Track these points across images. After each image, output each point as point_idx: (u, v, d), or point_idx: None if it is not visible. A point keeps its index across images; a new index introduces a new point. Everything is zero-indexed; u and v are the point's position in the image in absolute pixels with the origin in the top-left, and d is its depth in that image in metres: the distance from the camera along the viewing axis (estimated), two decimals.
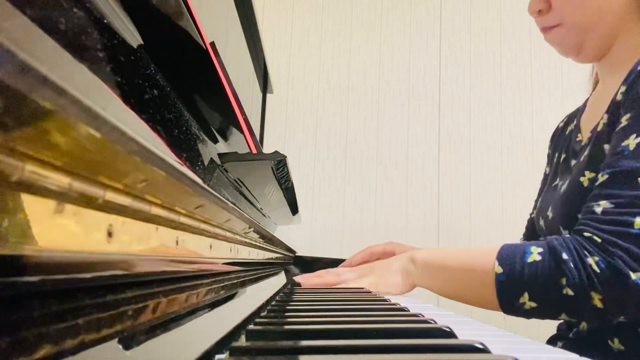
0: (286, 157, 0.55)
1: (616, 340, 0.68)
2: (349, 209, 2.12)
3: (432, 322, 0.41)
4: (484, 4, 2.25)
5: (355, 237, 2.10)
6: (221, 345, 0.30)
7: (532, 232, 1.02)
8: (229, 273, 0.46)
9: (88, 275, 0.17)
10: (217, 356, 0.28)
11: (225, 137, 0.62)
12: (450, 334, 0.37)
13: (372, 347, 0.31)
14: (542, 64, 2.14)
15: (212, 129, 0.56)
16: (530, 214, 1.02)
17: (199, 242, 0.32)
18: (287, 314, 0.49)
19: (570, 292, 0.59)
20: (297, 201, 0.91)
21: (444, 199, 2.12)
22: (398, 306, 0.56)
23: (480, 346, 0.31)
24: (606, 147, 0.69)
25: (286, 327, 0.41)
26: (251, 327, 0.38)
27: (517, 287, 0.63)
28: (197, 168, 0.37)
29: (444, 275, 0.73)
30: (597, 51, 0.77)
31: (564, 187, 0.78)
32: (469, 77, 2.21)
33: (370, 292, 0.76)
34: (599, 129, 0.72)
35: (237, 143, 0.66)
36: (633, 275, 0.56)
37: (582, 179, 0.72)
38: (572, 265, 0.60)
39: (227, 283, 0.42)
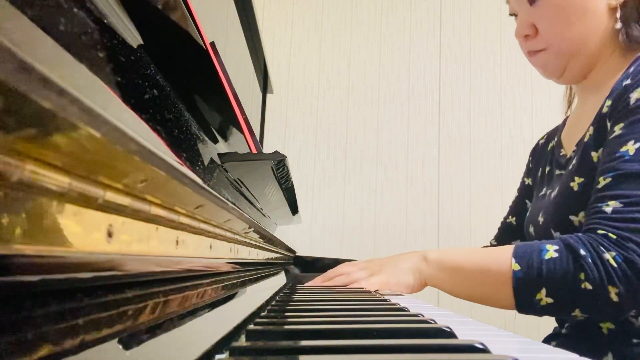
0: (286, 157, 0.55)
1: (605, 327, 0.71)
2: (349, 209, 2.12)
3: (432, 322, 0.41)
4: (484, 4, 2.25)
5: (355, 237, 2.11)
6: (221, 345, 0.30)
7: (504, 235, 1.08)
8: (229, 273, 0.46)
9: (88, 275, 0.17)
10: (217, 356, 0.28)
11: (225, 137, 0.62)
12: (450, 334, 0.37)
13: (372, 347, 0.31)
14: None
15: (212, 129, 0.56)
16: (505, 218, 1.07)
17: (199, 242, 0.32)
18: (287, 314, 0.49)
19: (589, 287, 0.62)
20: (297, 201, 0.91)
21: (444, 199, 2.12)
22: (398, 306, 0.56)
23: (480, 346, 0.31)
24: (593, 154, 0.74)
25: (286, 327, 0.41)
26: (251, 327, 0.38)
27: (535, 283, 0.65)
28: (197, 168, 0.37)
29: (458, 274, 0.74)
30: (578, 74, 0.83)
31: (554, 194, 0.82)
32: (469, 77, 2.21)
33: (370, 292, 0.76)
34: (585, 140, 0.77)
35: (237, 143, 0.66)
36: None
37: (572, 184, 0.76)
38: (590, 261, 0.62)
39: (227, 283, 0.42)
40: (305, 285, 0.90)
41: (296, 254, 1.47)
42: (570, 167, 0.79)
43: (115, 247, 0.18)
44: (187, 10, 0.42)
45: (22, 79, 0.11)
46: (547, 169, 0.93)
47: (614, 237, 0.62)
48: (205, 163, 0.41)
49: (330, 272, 0.89)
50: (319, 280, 0.88)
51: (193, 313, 0.29)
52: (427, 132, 2.18)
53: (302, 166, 2.15)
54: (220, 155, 0.50)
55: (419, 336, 0.37)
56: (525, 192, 1.05)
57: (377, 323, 0.40)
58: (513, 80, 2.19)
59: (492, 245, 1.10)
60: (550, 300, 0.64)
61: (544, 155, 0.98)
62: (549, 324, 0.90)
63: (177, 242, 0.26)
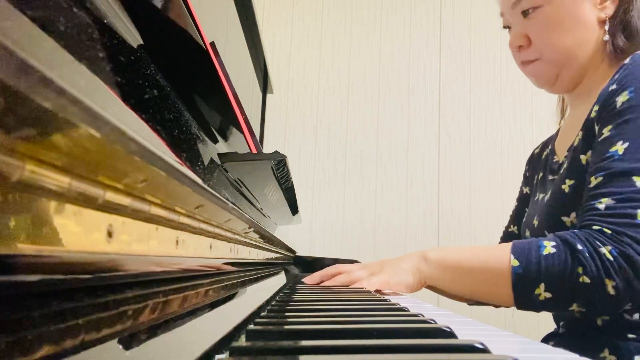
0: (286, 157, 0.55)
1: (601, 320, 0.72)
2: (349, 209, 2.12)
3: (432, 322, 0.41)
4: (484, 4, 2.25)
5: (355, 237, 2.11)
6: (221, 345, 0.30)
7: (507, 242, 1.08)
8: (229, 273, 0.46)
9: (88, 275, 0.17)
10: (217, 356, 0.28)
11: (225, 137, 0.62)
12: (450, 334, 0.37)
13: (372, 347, 0.31)
14: None
15: (212, 129, 0.56)
16: (507, 227, 1.10)
17: (199, 242, 0.32)
18: (287, 314, 0.49)
19: (587, 280, 0.63)
20: (297, 201, 0.91)
21: (444, 199, 2.12)
22: (398, 306, 0.56)
23: (480, 346, 0.31)
24: (582, 157, 0.77)
25: (286, 327, 0.41)
26: (251, 327, 0.38)
27: (533, 278, 0.66)
28: (197, 168, 0.37)
29: (458, 272, 0.75)
30: (569, 84, 0.87)
31: (547, 197, 0.85)
32: (469, 77, 2.21)
33: (370, 292, 0.76)
34: (575, 144, 0.80)
35: (237, 143, 0.66)
36: None
37: (563, 186, 0.79)
38: (587, 255, 0.64)
39: (227, 283, 0.42)
40: (303, 280, 0.91)
41: (296, 254, 1.47)
42: (562, 171, 0.82)
43: (115, 247, 0.18)
44: (187, 10, 0.42)
45: (22, 79, 0.11)
46: (541, 175, 0.96)
47: (609, 232, 0.64)
48: (205, 163, 0.41)
49: (330, 269, 0.89)
50: (317, 276, 0.88)
51: (193, 313, 0.29)
52: (427, 132, 2.18)
53: (302, 166, 2.15)
54: (220, 155, 0.50)
55: (419, 336, 0.37)
56: (524, 201, 1.08)
57: (377, 323, 0.40)
58: (513, 80, 2.19)
59: None
60: (548, 295, 0.66)
61: (539, 163, 1.01)
62: (548, 324, 0.90)
63: (177, 242, 0.26)
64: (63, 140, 0.14)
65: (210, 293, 0.35)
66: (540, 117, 2.15)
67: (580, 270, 0.64)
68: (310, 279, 0.89)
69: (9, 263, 0.12)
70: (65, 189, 0.14)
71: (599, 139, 0.72)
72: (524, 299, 0.68)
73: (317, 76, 2.22)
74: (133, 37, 0.35)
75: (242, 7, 1.36)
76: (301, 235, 2.09)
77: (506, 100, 2.19)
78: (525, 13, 0.84)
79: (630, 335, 0.70)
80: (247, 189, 0.61)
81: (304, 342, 0.32)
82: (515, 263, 0.68)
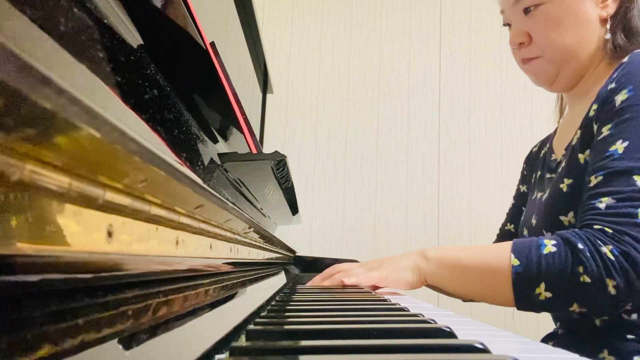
0: (286, 157, 0.55)
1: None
2: (349, 209, 2.12)
3: (432, 322, 0.41)
4: (484, 4, 2.25)
5: (355, 237, 2.11)
6: (221, 345, 0.30)
7: (504, 241, 1.08)
8: (229, 273, 0.46)
9: (88, 275, 0.17)
10: (217, 356, 0.28)
11: (225, 137, 0.62)
12: (450, 334, 0.37)
13: (372, 347, 0.31)
14: None
15: (212, 129, 0.56)
16: (504, 225, 1.10)
17: (199, 242, 0.32)
18: (287, 314, 0.49)
19: (587, 280, 0.63)
20: (297, 201, 0.91)
21: (443, 199, 2.12)
22: (398, 306, 0.56)
23: (480, 346, 0.31)
24: (580, 156, 0.76)
25: (286, 327, 0.41)
26: (251, 327, 0.38)
27: (534, 278, 0.66)
28: (197, 168, 0.37)
29: (457, 271, 0.74)
30: (569, 82, 0.86)
31: (545, 196, 0.85)
32: (469, 77, 2.21)
33: (370, 292, 0.76)
34: (573, 143, 0.80)
35: (237, 143, 0.66)
36: None
37: (561, 185, 0.78)
38: (588, 254, 0.63)
39: (227, 283, 0.42)
40: (305, 285, 0.90)
41: (296, 254, 1.47)
42: (560, 169, 0.82)
43: (115, 247, 0.18)
44: (187, 10, 0.42)
45: (22, 79, 0.11)
46: (539, 173, 0.96)
47: (610, 231, 0.64)
48: (205, 163, 0.41)
49: (328, 270, 0.89)
50: (317, 279, 0.88)
51: (193, 313, 0.29)
52: (427, 132, 2.18)
53: (302, 166, 2.15)
54: (220, 155, 0.50)
55: (419, 336, 0.37)
56: (521, 200, 1.08)
57: (377, 323, 0.40)
58: (513, 80, 2.19)
59: None
60: (549, 294, 0.65)
61: (537, 161, 1.01)
62: (548, 324, 0.90)
63: (177, 242, 0.26)
64: (63, 140, 0.14)
65: (210, 293, 0.35)
66: (540, 117, 2.15)
67: (580, 269, 0.63)
68: (311, 284, 0.89)
69: (9, 263, 0.12)
70: (65, 189, 0.14)
71: (598, 138, 0.72)
72: (524, 299, 0.67)
73: (317, 76, 2.22)
74: (133, 37, 0.35)
75: (242, 7, 1.36)
76: (301, 235, 2.09)
77: (506, 100, 2.19)
78: (526, 10, 0.84)
79: (629, 336, 0.69)
80: (247, 189, 0.61)
81: (304, 342, 0.32)
82: (516, 262, 0.67)
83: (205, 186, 0.29)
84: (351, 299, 0.65)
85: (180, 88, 0.44)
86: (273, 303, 0.59)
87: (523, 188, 1.07)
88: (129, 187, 0.19)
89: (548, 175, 0.90)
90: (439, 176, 2.14)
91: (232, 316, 0.37)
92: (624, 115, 0.69)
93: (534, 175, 1.00)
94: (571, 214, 0.76)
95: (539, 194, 0.90)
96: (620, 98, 0.70)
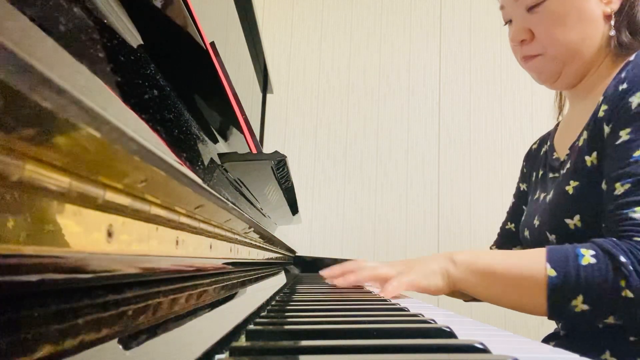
0: (286, 157, 0.55)
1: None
2: (349, 209, 2.12)
3: (432, 322, 0.41)
4: (484, 4, 2.25)
5: (355, 237, 2.10)
6: (221, 345, 0.30)
7: (505, 241, 1.08)
8: (229, 273, 0.46)
9: (88, 275, 0.17)
10: (217, 356, 0.28)
11: (225, 137, 0.62)
12: (450, 334, 0.37)
13: (372, 347, 0.31)
14: None
15: (212, 129, 0.56)
16: (504, 224, 1.08)
17: (199, 242, 0.32)
18: (287, 314, 0.49)
19: (630, 295, 0.60)
20: (297, 201, 0.91)
21: (443, 199, 2.12)
22: (398, 306, 0.56)
23: (480, 346, 0.31)
24: (587, 158, 0.74)
25: (286, 327, 0.41)
26: (251, 327, 0.38)
27: (572, 290, 0.63)
28: (197, 168, 0.37)
29: (488, 277, 0.71)
30: (572, 80, 0.84)
31: (549, 197, 0.83)
32: (469, 77, 2.21)
33: (370, 292, 0.76)
34: (579, 144, 0.78)
35: (237, 143, 0.66)
36: None
37: (567, 187, 0.76)
38: (631, 268, 0.60)
39: (227, 283, 0.42)
40: (320, 273, 0.88)
41: (296, 254, 1.47)
42: (565, 170, 0.80)
43: (115, 247, 0.18)
44: (187, 10, 0.42)
45: (22, 79, 0.11)
46: (541, 172, 0.94)
47: None
48: (205, 163, 0.41)
49: (351, 264, 0.86)
50: (337, 270, 0.86)
51: (193, 313, 0.29)
52: (427, 132, 2.18)
53: (302, 166, 2.15)
54: (220, 155, 0.50)
55: (419, 336, 0.37)
56: (521, 198, 1.06)
57: (377, 323, 0.40)
58: (513, 80, 2.19)
59: None
60: (586, 307, 0.63)
61: (538, 159, 0.99)
62: (548, 324, 0.90)
63: (177, 242, 0.26)
64: (63, 140, 0.14)
65: (210, 293, 0.35)
66: (540, 117, 2.15)
67: (623, 283, 0.60)
68: (329, 272, 0.87)
69: (9, 263, 0.12)
70: (65, 189, 0.14)
71: (616, 142, 0.69)
72: (559, 310, 0.65)
73: (317, 76, 2.22)
74: (133, 37, 0.35)
75: (242, 7, 1.36)
76: (301, 235, 2.09)
77: (506, 100, 2.19)
78: (528, 7, 0.82)
79: (632, 338, 0.69)
80: (247, 189, 0.61)
81: (304, 342, 0.32)
82: (552, 273, 0.64)
83: (205, 186, 0.29)
84: (351, 299, 0.65)
85: (180, 88, 0.44)
86: (273, 303, 0.59)
87: (523, 186, 1.06)
88: (129, 187, 0.19)
89: (551, 175, 0.88)
90: (439, 176, 2.14)
91: (232, 316, 0.37)
92: None
93: (534, 173, 0.98)
94: (577, 217, 0.74)
95: (542, 194, 0.88)
96: (636, 100, 0.68)
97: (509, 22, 0.88)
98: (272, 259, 0.86)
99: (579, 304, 0.63)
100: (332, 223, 2.12)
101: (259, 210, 0.73)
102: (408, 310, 0.52)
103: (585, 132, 0.77)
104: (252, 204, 0.64)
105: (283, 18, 2.26)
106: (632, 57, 0.73)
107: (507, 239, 1.08)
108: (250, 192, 0.63)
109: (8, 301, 0.13)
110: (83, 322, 0.16)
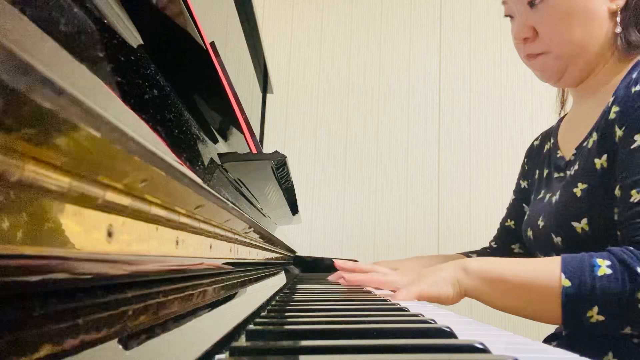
0: (286, 157, 0.55)
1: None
2: (349, 209, 2.12)
3: (432, 322, 0.41)
4: (484, 4, 2.25)
5: (355, 237, 2.10)
6: (221, 345, 0.30)
7: (504, 238, 1.08)
8: (229, 273, 0.46)
9: (88, 276, 0.17)
10: (217, 356, 0.28)
11: (225, 137, 0.62)
12: (451, 334, 0.37)
13: (372, 347, 0.31)
14: None
15: (212, 129, 0.56)
16: (504, 220, 1.08)
17: (199, 242, 0.32)
18: (287, 314, 0.49)
19: None
20: (297, 201, 0.91)
21: (443, 199, 2.12)
22: (398, 306, 0.56)
23: (480, 346, 0.31)
24: (596, 161, 0.73)
25: (286, 327, 0.41)
26: (251, 327, 0.38)
27: (586, 300, 0.62)
28: (197, 168, 0.37)
29: (501, 287, 0.70)
30: (577, 78, 0.83)
31: (555, 198, 0.81)
32: (469, 77, 2.21)
33: (370, 292, 0.76)
34: (589, 146, 0.76)
35: (237, 143, 0.66)
36: None
37: (575, 190, 0.75)
38: None
39: (227, 283, 0.42)
40: (329, 278, 0.89)
41: (296, 254, 1.47)
42: (572, 172, 0.79)
43: (115, 247, 0.18)
44: (187, 10, 0.42)
45: (22, 79, 0.11)
46: (546, 171, 0.92)
47: None
48: (205, 163, 0.41)
49: (364, 265, 0.86)
50: (350, 266, 0.86)
51: (193, 313, 0.29)
52: (427, 132, 2.18)
53: (302, 166, 2.15)
54: (220, 155, 0.50)
55: (419, 336, 0.37)
56: (521, 195, 1.05)
57: (377, 323, 0.40)
58: (513, 80, 2.19)
59: (491, 247, 1.10)
60: (601, 318, 0.62)
61: (541, 157, 0.98)
62: (549, 324, 0.90)
63: (177, 242, 0.26)
64: (63, 140, 0.14)
65: (210, 293, 0.35)
66: (540, 117, 2.15)
67: (639, 295, 0.59)
68: (342, 263, 0.87)
69: (9, 263, 0.12)
70: (65, 189, 0.14)
71: (631, 147, 0.68)
72: (573, 321, 0.64)
73: (317, 76, 2.22)
74: (133, 37, 0.35)
75: (242, 7, 1.36)
76: (301, 235, 2.09)
77: (506, 100, 2.19)
78: (532, 4, 0.79)
79: (635, 340, 0.68)
80: (247, 189, 0.61)
81: (304, 342, 0.32)
82: (567, 283, 0.63)
83: (205, 186, 0.29)
84: (351, 299, 0.65)
85: (180, 88, 0.44)
86: (273, 303, 0.59)
87: (524, 184, 1.04)
88: (129, 187, 0.19)
89: (556, 175, 0.87)
90: (439, 176, 2.14)
91: (232, 316, 0.37)
92: None
93: (537, 171, 0.97)
94: (584, 220, 0.73)
95: (548, 195, 0.87)
96: None
97: (510, 17, 0.86)
98: (272, 259, 0.86)
99: (594, 314, 0.62)
100: (332, 223, 2.12)
101: (259, 210, 0.73)
102: (408, 310, 0.52)
103: (594, 134, 0.75)
104: (252, 204, 0.64)
105: (283, 18, 2.26)
106: None
107: (506, 236, 1.08)
108: (250, 192, 0.63)
109: (8, 301, 0.13)
110: (83, 322, 0.16)
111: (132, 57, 0.31)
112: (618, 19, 0.77)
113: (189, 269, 0.30)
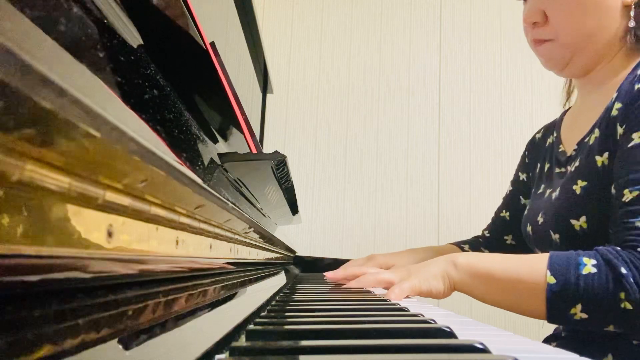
0: (286, 157, 0.55)
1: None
2: (349, 209, 2.12)
3: (432, 322, 0.41)
4: (484, 4, 2.25)
5: (355, 237, 2.10)
6: (221, 345, 0.30)
7: (498, 229, 1.08)
8: (229, 273, 0.46)
9: (88, 275, 0.17)
10: (217, 356, 0.28)
11: (225, 137, 0.62)
12: (450, 334, 0.37)
13: (372, 347, 0.31)
14: None
15: (212, 129, 0.56)
16: (499, 210, 1.08)
17: (199, 242, 0.32)
18: (287, 314, 0.49)
19: (629, 307, 0.59)
20: (297, 201, 0.91)
21: (444, 199, 2.12)
22: (398, 306, 0.56)
23: (480, 346, 0.31)
24: (598, 158, 0.72)
25: (286, 327, 0.41)
26: (251, 327, 0.38)
27: (570, 298, 0.63)
28: (197, 168, 0.37)
29: (488, 282, 0.71)
30: (581, 69, 0.82)
31: (555, 194, 0.81)
32: (469, 77, 2.21)
33: (370, 292, 0.76)
34: (590, 142, 0.75)
35: (237, 143, 0.66)
36: None
37: (574, 187, 0.75)
38: (632, 280, 0.60)
39: (227, 283, 0.42)
40: (324, 274, 0.89)
41: (296, 254, 1.47)
42: (573, 168, 0.78)
43: (116, 247, 0.18)
44: (187, 10, 0.42)
45: (22, 79, 0.11)
46: (547, 166, 0.91)
47: None
48: (205, 163, 0.41)
49: (354, 270, 0.87)
50: (340, 274, 0.86)
51: (193, 313, 0.29)
52: (427, 132, 2.17)
53: (302, 166, 2.15)
54: (220, 155, 0.50)
55: (419, 336, 0.37)
56: (519, 188, 1.05)
57: (377, 323, 0.40)
58: (513, 80, 2.19)
59: (484, 237, 1.11)
60: (584, 315, 0.62)
61: (543, 150, 0.97)
62: (550, 324, 0.90)
63: (177, 242, 0.26)
64: (63, 140, 0.14)
65: (210, 293, 0.35)
66: (540, 117, 2.15)
67: (622, 295, 0.60)
68: (333, 274, 0.88)
69: (9, 263, 0.12)
70: (65, 188, 0.14)
71: (629, 145, 0.67)
72: (557, 316, 0.65)
73: (317, 76, 2.22)
74: (133, 37, 0.35)
75: (242, 7, 1.36)
76: (301, 235, 2.09)
77: (506, 100, 2.19)
78: None
79: (635, 342, 0.68)
80: (247, 189, 0.61)
81: (304, 342, 0.32)
82: (552, 280, 0.64)
83: (205, 186, 0.29)
84: (351, 299, 0.65)
85: (180, 88, 0.44)
86: (273, 303, 0.59)
87: (523, 176, 1.04)
88: (129, 187, 0.19)
89: (557, 170, 0.86)
90: (439, 176, 2.14)
91: (232, 316, 0.37)
92: None
93: (539, 165, 0.96)
94: (583, 218, 0.73)
95: (548, 191, 0.86)
96: None
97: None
98: (272, 259, 0.86)
99: (578, 312, 0.62)
100: (332, 223, 2.12)
101: (259, 210, 0.73)
102: (408, 310, 0.52)
103: (596, 130, 0.74)
104: (252, 204, 0.64)
105: (283, 18, 2.26)
106: None
107: (500, 227, 1.08)
108: (250, 192, 0.63)
109: (8, 301, 0.13)
110: (83, 322, 0.16)
111: (132, 57, 0.31)
112: (632, 13, 0.76)
113: (189, 269, 0.30)
